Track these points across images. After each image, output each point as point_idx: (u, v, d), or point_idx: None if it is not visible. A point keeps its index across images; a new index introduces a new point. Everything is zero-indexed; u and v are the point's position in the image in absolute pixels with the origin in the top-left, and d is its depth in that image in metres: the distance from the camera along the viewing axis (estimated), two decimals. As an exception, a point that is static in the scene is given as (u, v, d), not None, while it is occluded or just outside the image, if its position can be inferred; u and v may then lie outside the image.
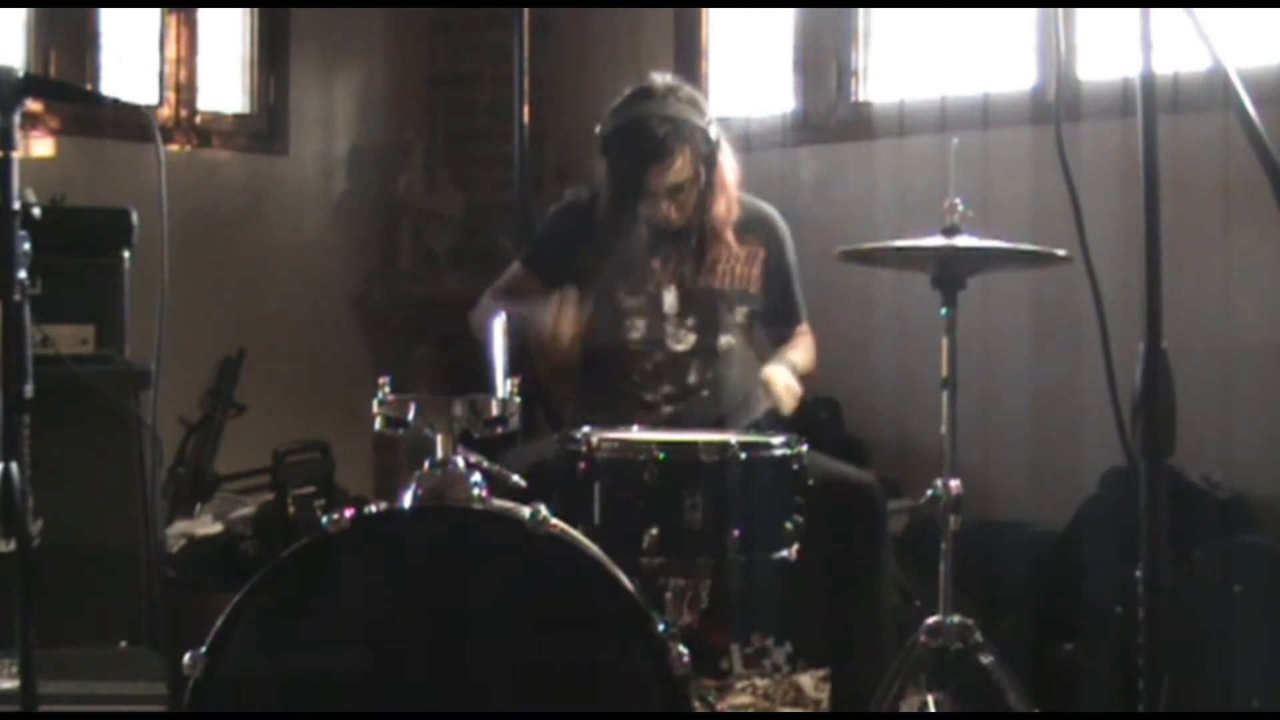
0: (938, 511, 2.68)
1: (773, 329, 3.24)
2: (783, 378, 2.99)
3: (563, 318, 2.96)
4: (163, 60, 4.60)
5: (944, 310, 2.70)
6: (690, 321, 3.09)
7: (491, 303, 3.19)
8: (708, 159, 3.02)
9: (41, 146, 4.02)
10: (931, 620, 2.66)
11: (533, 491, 2.19)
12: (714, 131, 3.04)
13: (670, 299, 3.09)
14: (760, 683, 3.33)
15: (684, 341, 3.09)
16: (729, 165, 3.10)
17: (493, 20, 4.66)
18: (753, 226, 3.17)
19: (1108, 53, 3.94)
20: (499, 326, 2.39)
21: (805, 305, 3.26)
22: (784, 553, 2.55)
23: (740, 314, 3.13)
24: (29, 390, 1.89)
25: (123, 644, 2.78)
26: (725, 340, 3.11)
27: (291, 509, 4.02)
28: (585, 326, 3.00)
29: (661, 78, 3.09)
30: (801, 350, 3.18)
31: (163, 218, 2.29)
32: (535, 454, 2.80)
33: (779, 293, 3.20)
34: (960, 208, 2.64)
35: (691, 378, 3.08)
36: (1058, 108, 3.27)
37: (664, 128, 2.98)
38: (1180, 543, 3.04)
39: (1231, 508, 3.42)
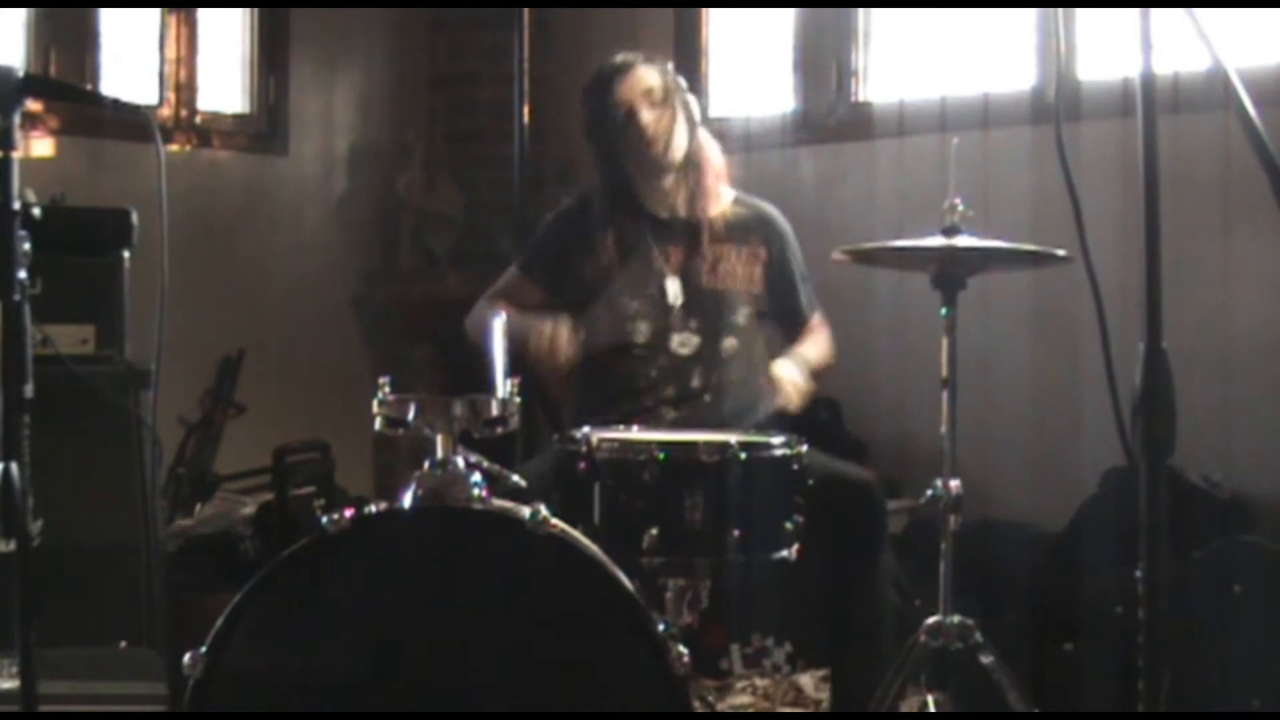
0: (938, 511, 2.68)
1: (784, 326, 3.23)
2: (791, 374, 2.98)
3: (555, 345, 2.97)
4: (163, 60, 4.60)
5: (944, 310, 2.70)
6: (693, 323, 3.09)
7: (488, 309, 3.19)
8: (676, 95, 3.12)
9: (41, 146, 4.02)
10: (931, 620, 2.66)
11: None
12: (682, 82, 3.17)
13: (674, 289, 3.09)
14: (760, 683, 3.34)
15: (687, 344, 3.08)
16: (714, 149, 3.17)
17: (493, 20, 4.66)
18: (753, 226, 3.18)
19: (1108, 53, 3.94)
20: (499, 326, 2.39)
21: (816, 300, 3.26)
22: (784, 553, 2.54)
23: (743, 315, 3.12)
24: (29, 390, 1.89)
25: (123, 644, 2.77)
26: (728, 342, 3.10)
27: (291, 509, 4.02)
28: (578, 350, 3.00)
29: None
30: (814, 344, 3.18)
31: (163, 218, 2.29)
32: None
33: (786, 291, 3.20)
34: (960, 208, 2.64)
35: (695, 381, 3.07)
36: (1058, 108, 3.27)
37: (619, 56, 3.17)
38: (1180, 543, 3.05)
39: (1231, 508, 3.42)
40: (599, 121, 3.13)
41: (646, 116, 3.08)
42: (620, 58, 3.16)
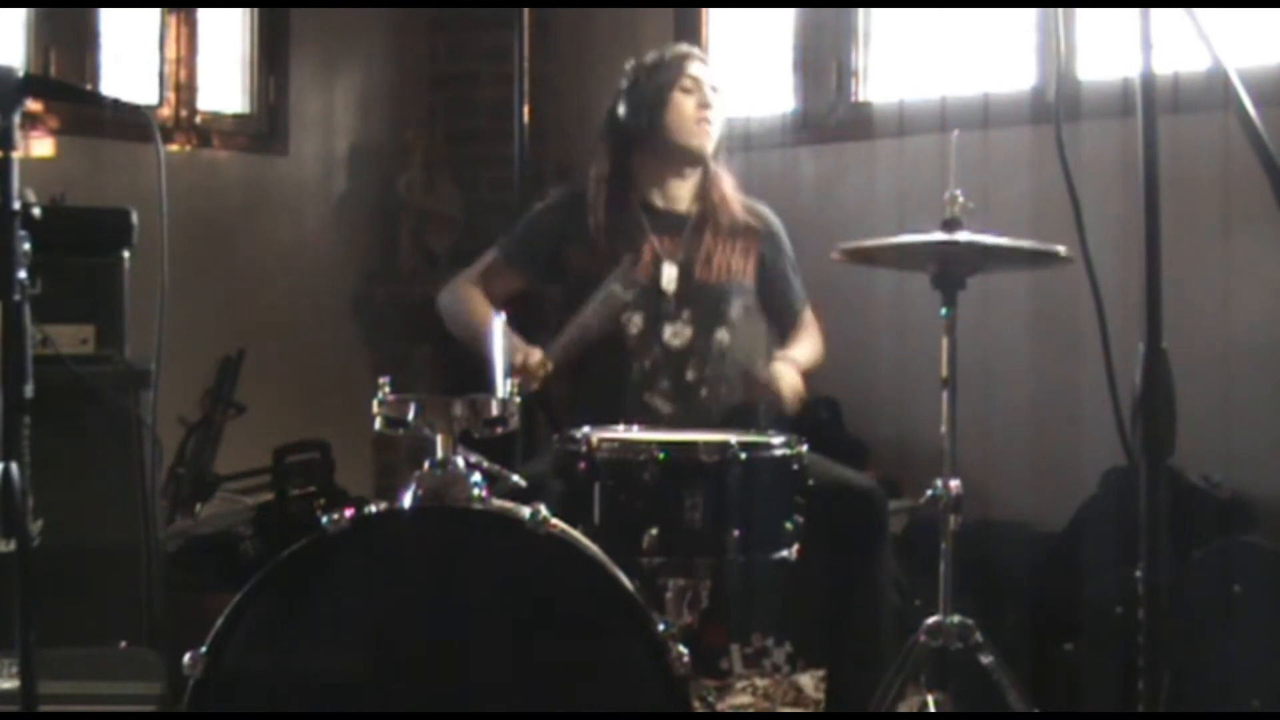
0: (938, 511, 2.68)
1: (778, 320, 3.25)
2: (787, 378, 3.00)
3: (525, 367, 2.90)
4: (163, 60, 4.59)
5: (944, 310, 2.70)
6: (686, 314, 3.10)
7: (465, 291, 3.19)
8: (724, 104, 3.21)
9: (41, 146, 4.01)
10: (931, 620, 2.66)
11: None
12: None
13: (670, 274, 3.10)
14: (760, 683, 3.34)
15: (680, 335, 3.09)
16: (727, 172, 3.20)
17: (493, 20, 4.66)
18: (745, 222, 3.19)
19: (1108, 53, 3.94)
20: (499, 326, 2.39)
21: (806, 295, 3.28)
22: (784, 553, 2.54)
23: (736, 307, 3.14)
24: (29, 390, 1.89)
25: (123, 644, 2.77)
26: (721, 334, 3.11)
27: (291, 509, 4.02)
28: (545, 375, 2.95)
29: None
30: (806, 343, 3.20)
31: (163, 218, 2.29)
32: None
33: (780, 284, 3.22)
34: (960, 199, 2.64)
35: (689, 374, 3.08)
36: (1058, 108, 3.27)
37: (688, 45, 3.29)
38: (1180, 543, 3.04)
39: (1231, 508, 3.42)
40: (655, 92, 3.12)
41: (713, 100, 3.14)
42: (695, 48, 3.27)
